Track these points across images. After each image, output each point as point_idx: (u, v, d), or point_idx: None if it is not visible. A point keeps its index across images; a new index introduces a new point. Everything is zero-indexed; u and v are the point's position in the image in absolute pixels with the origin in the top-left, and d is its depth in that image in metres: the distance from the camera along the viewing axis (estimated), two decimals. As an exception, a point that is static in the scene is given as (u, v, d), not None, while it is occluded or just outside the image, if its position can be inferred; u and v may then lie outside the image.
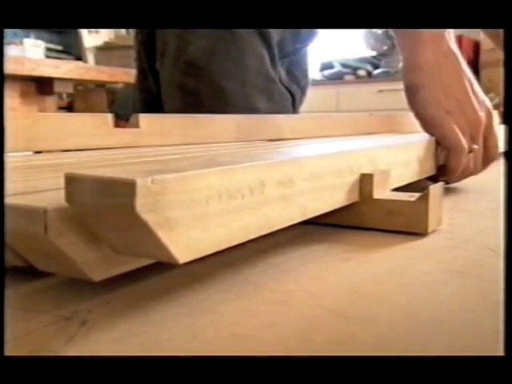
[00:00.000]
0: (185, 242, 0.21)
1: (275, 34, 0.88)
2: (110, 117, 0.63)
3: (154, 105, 0.87)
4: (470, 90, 0.52)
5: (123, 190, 0.19)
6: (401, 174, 0.41)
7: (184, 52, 0.82)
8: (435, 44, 0.51)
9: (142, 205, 0.19)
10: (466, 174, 0.53)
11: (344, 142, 0.66)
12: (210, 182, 0.22)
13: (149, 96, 0.90)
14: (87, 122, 0.61)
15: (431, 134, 0.51)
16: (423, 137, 0.50)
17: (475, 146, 0.51)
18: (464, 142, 0.50)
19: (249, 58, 0.84)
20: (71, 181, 0.20)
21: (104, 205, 0.19)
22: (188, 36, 0.81)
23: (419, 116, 0.52)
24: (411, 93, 0.52)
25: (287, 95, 0.94)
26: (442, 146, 0.51)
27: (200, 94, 0.81)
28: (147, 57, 0.90)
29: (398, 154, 0.41)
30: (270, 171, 0.26)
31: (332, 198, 0.32)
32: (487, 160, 0.55)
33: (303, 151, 0.33)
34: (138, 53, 0.92)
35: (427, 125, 0.51)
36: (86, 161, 0.48)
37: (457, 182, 0.55)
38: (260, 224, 0.26)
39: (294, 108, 0.98)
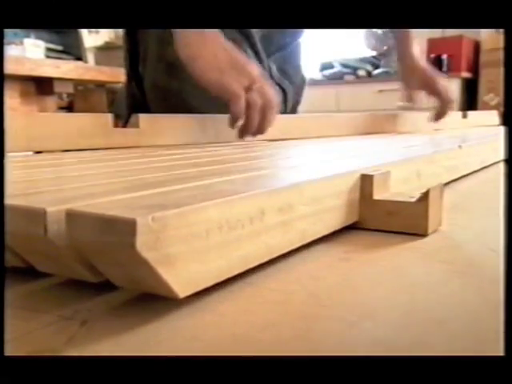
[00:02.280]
0: (185, 277, 0.21)
1: (256, 30, 0.88)
2: (110, 117, 0.63)
3: (138, 110, 0.88)
4: (232, 55, 0.66)
5: (124, 229, 0.19)
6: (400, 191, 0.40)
7: (164, 54, 0.82)
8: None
9: (142, 243, 0.19)
10: (253, 123, 0.66)
11: (343, 154, 0.65)
12: (210, 215, 0.22)
13: (133, 101, 0.91)
14: (87, 122, 0.61)
15: (213, 92, 0.65)
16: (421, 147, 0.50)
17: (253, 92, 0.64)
18: (239, 90, 0.63)
19: None
20: (72, 217, 0.20)
21: (105, 242, 0.19)
22: (167, 38, 0.81)
23: (201, 81, 0.66)
24: (189, 64, 0.66)
25: (277, 90, 0.94)
26: (225, 99, 0.64)
27: (184, 94, 0.81)
28: (130, 62, 0.90)
29: (397, 171, 0.40)
30: (270, 199, 0.26)
31: (331, 220, 0.33)
32: (266, 112, 0.66)
33: (303, 174, 0.33)
34: (124, 60, 0.93)
35: (209, 84, 0.65)
36: (86, 162, 0.48)
37: (252, 134, 0.67)
38: (260, 252, 0.26)
39: (285, 104, 0.98)
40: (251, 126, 0.67)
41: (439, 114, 1.12)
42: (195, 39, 0.66)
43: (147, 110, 0.86)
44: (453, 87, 3.78)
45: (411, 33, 1.13)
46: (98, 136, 0.61)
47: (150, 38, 0.85)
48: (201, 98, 0.82)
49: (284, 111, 0.97)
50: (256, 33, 0.89)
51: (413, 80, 1.13)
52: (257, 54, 0.89)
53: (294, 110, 1.07)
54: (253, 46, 0.88)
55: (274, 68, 0.95)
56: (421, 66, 1.12)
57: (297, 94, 1.06)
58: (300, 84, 1.06)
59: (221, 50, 0.67)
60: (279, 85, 0.95)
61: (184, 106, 0.79)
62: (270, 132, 0.77)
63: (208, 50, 0.66)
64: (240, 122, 0.66)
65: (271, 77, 0.93)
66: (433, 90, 1.10)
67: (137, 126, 0.66)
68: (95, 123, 0.61)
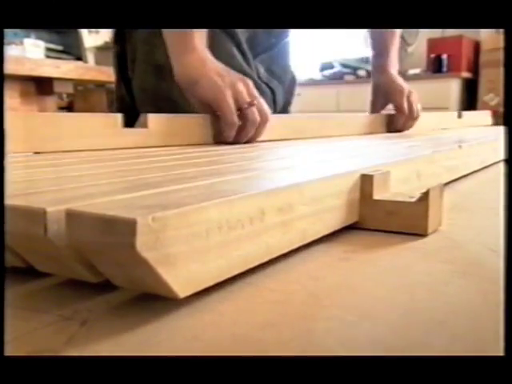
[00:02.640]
0: (185, 277, 0.21)
1: (241, 30, 0.89)
2: (119, 117, 0.63)
3: (127, 114, 0.88)
4: (231, 72, 0.70)
5: (124, 229, 0.19)
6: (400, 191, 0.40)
7: (152, 57, 0.83)
8: (191, 46, 0.70)
9: (142, 243, 0.19)
10: (247, 135, 0.69)
11: (343, 155, 0.65)
12: (210, 214, 0.22)
13: (122, 105, 0.91)
14: (96, 122, 0.61)
15: (213, 107, 0.67)
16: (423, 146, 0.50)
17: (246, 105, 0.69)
18: (232, 103, 0.67)
19: (216, 54, 0.84)
20: (72, 217, 0.20)
21: (105, 242, 0.19)
22: (154, 40, 0.81)
23: (203, 99, 0.68)
24: (192, 84, 0.69)
25: (266, 90, 0.94)
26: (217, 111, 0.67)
27: (173, 96, 0.81)
28: (119, 66, 0.91)
29: (397, 171, 0.40)
30: (270, 199, 0.26)
31: (331, 220, 0.32)
32: (260, 126, 0.71)
33: (303, 174, 0.33)
34: (113, 63, 0.93)
35: (212, 101, 0.67)
36: (86, 162, 0.48)
37: (244, 139, 0.70)
38: (260, 252, 0.26)
39: (274, 104, 0.98)
40: (244, 137, 0.70)
41: (400, 129, 1.06)
42: (195, 64, 0.69)
43: (136, 113, 0.86)
44: (453, 87, 3.79)
45: (393, 43, 1.09)
46: (107, 136, 0.61)
47: (138, 40, 0.86)
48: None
49: (274, 111, 0.97)
50: (242, 33, 0.89)
51: (379, 98, 1.10)
52: (243, 54, 0.89)
53: (284, 110, 1.06)
54: (239, 46, 0.89)
55: (261, 69, 0.96)
56: (394, 83, 1.06)
57: (287, 94, 1.06)
58: (290, 84, 1.06)
59: (221, 69, 0.70)
60: (267, 85, 0.95)
61: (173, 109, 0.79)
62: (273, 133, 0.77)
63: (210, 68, 0.69)
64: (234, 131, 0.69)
65: (259, 77, 0.93)
66: (398, 107, 1.05)
67: (145, 126, 0.65)
68: (104, 123, 0.61)
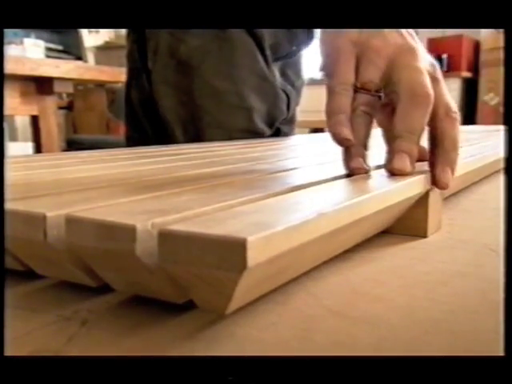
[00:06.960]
0: None
1: (268, 35, 0.88)
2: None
3: (147, 103, 0.87)
4: None
5: (123, 235, 0.19)
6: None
7: (176, 51, 0.82)
8: None
9: (142, 249, 0.19)
10: None
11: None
12: None
13: (142, 95, 0.91)
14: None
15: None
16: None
17: None
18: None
19: (241, 56, 0.83)
20: (71, 223, 0.20)
21: (104, 248, 0.19)
22: (180, 35, 0.81)
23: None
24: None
25: (282, 96, 0.94)
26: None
27: (194, 92, 0.81)
28: (140, 55, 0.90)
29: None
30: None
31: None
32: None
33: (301, 178, 0.33)
34: (130, 52, 0.92)
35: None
36: (86, 163, 0.48)
37: None
38: None
39: (288, 109, 0.98)
40: None
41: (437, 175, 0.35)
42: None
43: (154, 104, 0.86)
44: (453, 87, 3.80)
45: None
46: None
47: (162, 32, 0.85)
48: (210, 98, 0.82)
49: (286, 117, 0.97)
50: (267, 40, 0.88)
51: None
52: (266, 59, 0.89)
53: (293, 113, 1.06)
54: (262, 51, 0.88)
55: (277, 74, 0.95)
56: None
57: (297, 97, 1.06)
58: (300, 87, 1.06)
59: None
60: (283, 90, 0.95)
61: (192, 105, 0.79)
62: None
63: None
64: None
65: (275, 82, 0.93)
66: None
67: None
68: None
